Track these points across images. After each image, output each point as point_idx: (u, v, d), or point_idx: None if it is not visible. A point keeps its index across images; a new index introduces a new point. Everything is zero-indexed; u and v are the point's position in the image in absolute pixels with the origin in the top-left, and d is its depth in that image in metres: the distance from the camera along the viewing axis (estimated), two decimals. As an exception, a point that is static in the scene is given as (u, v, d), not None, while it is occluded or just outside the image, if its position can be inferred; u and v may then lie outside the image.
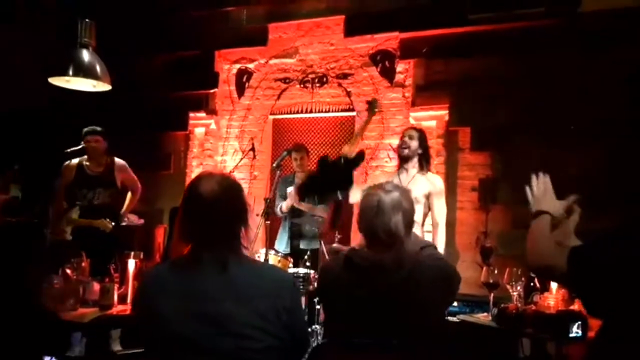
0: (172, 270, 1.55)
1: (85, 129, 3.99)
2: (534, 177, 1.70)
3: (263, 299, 1.48)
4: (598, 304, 1.38)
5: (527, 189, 1.69)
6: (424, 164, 3.52)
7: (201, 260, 1.50)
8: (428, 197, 3.47)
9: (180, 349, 1.43)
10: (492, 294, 2.78)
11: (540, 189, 1.67)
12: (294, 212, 4.47)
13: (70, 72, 3.47)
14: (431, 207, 3.48)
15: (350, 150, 3.63)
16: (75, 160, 4.02)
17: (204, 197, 1.51)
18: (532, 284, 2.79)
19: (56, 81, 3.58)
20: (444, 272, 1.83)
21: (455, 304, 3.81)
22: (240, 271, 1.51)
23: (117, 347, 3.38)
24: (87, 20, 3.57)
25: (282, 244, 4.52)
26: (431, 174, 3.55)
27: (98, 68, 3.53)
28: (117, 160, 4.14)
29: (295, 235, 4.52)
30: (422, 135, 3.58)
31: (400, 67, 4.97)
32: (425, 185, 3.46)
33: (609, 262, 1.32)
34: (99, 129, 4.00)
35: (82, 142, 3.94)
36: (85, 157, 4.02)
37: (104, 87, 3.67)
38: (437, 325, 1.82)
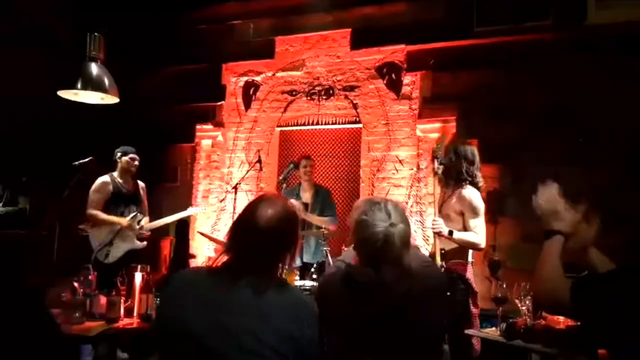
0: (208, 277, 1.57)
1: (126, 148, 4.16)
2: (540, 187, 1.58)
3: (285, 323, 1.49)
4: (603, 339, 1.35)
5: (534, 200, 1.57)
6: (461, 178, 3.24)
7: (238, 278, 1.52)
8: (462, 214, 3.20)
9: (197, 355, 1.46)
10: (500, 309, 2.75)
11: (550, 202, 1.55)
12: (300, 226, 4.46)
13: (79, 85, 3.50)
14: (466, 226, 3.19)
15: None
16: (107, 177, 4.14)
17: (259, 225, 1.54)
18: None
19: (65, 94, 3.61)
20: (439, 281, 1.84)
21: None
22: (270, 294, 1.53)
23: (119, 353, 3.36)
24: (95, 34, 3.61)
25: None
26: (468, 189, 3.21)
27: (106, 81, 3.55)
28: (140, 182, 4.33)
29: (299, 249, 4.51)
30: (455, 152, 3.30)
31: (407, 79, 4.98)
32: (457, 203, 3.22)
33: (612, 298, 1.30)
34: (133, 148, 4.20)
35: (121, 159, 4.12)
36: (115, 174, 4.16)
37: (112, 100, 3.69)
38: (440, 338, 1.80)
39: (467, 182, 3.22)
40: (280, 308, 1.52)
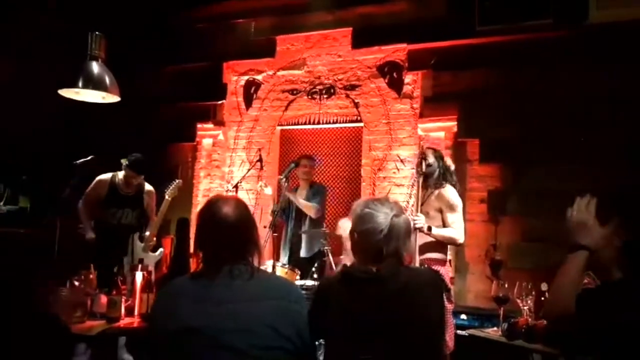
0: (191, 280, 1.71)
1: (130, 163, 4.03)
2: (578, 199, 1.56)
3: (277, 301, 1.63)
4: (603, 349, 1.34)
5: (569, 211, 1.56)
6: (440, 180, 3.43)
7: (219, 270, 1.66)
8: (441, 212, 3.37)
9: (196, 345, 1.53)
10: (502, 309, 2.75)
11: (584, 215, 1.52)
12: (295, 223, 4.49)
13: (80, 84, 3.50)
14: (444, 222, 3.36)
15: None
16: (107, 176, 4.11)
17: (223, 219, 1.71)
18: (542, 298, 2.75)
19: (66, 93, 3.61)
20: (432, 278, 1.88)
21: (464, 317, 3.78)
22: (254, 278, 1.67)
23: (124, 354, 3.36)
24: (97, 32, 3.61)
25: (284, 255, 4.52)
26: (447, 188, 3.39)
27: (107, 80, 3.55)
28: (148, 185, 4.26)
29: (295, 246, 4.51)
30: (436, 157, 3.50)
31: (408, 78, 4.97)
32: (436, 201, 3.38)
33: (617, 307, 1.29)
34: (141, 165, 4.07)
35: (124, 169, 4.05)
36: (120, 174, 4.10)
37: (113, 98, 3.69)
38: (437, 336, 1.82)
39: (446, 182, 3.42)
40: (266, 287, 1.68)
